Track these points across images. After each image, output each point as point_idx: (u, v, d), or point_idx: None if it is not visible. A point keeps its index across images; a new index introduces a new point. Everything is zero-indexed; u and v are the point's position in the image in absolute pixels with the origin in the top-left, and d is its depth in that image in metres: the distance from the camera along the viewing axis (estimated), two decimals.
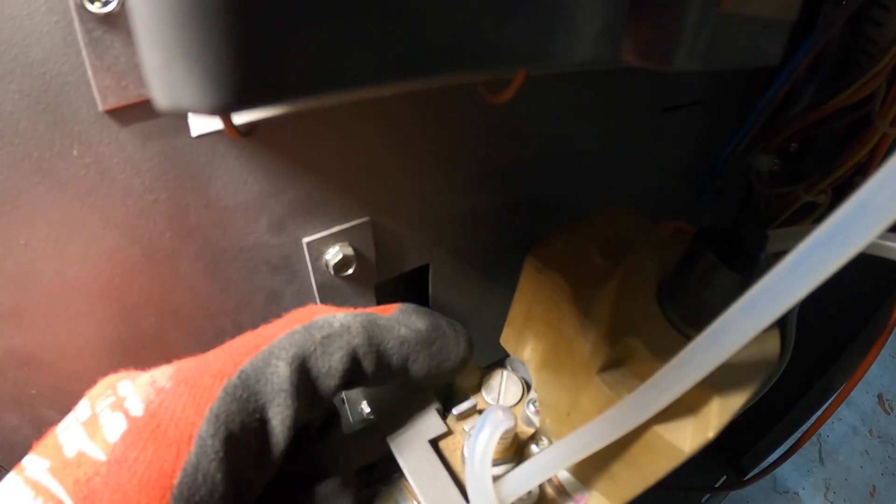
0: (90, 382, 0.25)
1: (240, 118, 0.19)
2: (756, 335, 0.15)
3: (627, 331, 0.22)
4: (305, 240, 0.27)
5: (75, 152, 0.21)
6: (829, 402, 0.56)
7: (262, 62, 0.08)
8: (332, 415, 0.25)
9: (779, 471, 1.00)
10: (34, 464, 0.17)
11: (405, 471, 0.24)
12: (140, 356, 0.27)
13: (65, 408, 0.27)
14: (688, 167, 0.47)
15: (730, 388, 0.21)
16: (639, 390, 0.18)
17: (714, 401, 0.20)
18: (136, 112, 0.21)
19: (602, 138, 0.37)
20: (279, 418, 0.18)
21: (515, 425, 0.22)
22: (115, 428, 0.17)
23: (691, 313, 0.22)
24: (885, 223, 0.12)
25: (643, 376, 0.18)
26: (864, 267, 0.51)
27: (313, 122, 0.24)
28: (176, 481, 0.16)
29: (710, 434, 0.20)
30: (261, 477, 0.19)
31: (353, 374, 0.21)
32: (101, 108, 0.20)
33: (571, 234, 0.27)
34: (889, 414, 1.13)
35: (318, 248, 0.28)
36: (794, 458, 1.02)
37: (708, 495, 0.84)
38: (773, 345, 0.23)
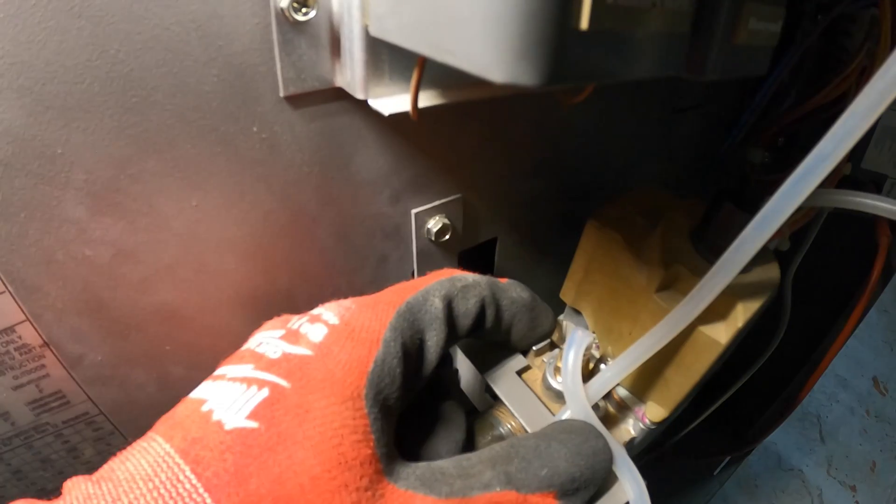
0: (221, 337, 0.29)
1: (422, 103, 0.25)
2: (760, 248, 0.22)
3: (672, 261, 0.29)
4: (414, 211, 0.33)
5: (255, 129, 0.24)
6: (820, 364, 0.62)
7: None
8: (447, 356, 0.30)
9: (783, 450, 1.04)
10: (234, 369, 0.20)
11: (501, 395, 0.30)
12: (268, 313, 0.27)
13: (192, 364, 0.29)
14: (694, 158, 0.54)
15: (748, 297, 0.28)
16: (687, 297, 0.25)
17: (738, 305, 0.28)
18: (308, 99, 0.25)
19: (629, 136, 0.44)
20: (434, 340, 0.23)
21: (593, 340, 0.29)
22: (318, 333, 0.21)
23: (716, 247, 0.29)
24: (826, 172, 0.20)
25: (687, 292, 0.25)
26: (857, 250, 0.58)
27: (432, 115, 0.29)
28: (369, 369, 0.20)
29: (739, 324, 0.27)
30: (416, 385, 0.23)
31: (479, 320, 0.26)
32: (281, 94, 0.24)
33: (618, 204, 0.34)
34: (884, 395, 1.18)
35: (422, 219, 0.33)
36: (797, 437, 1.08)
37: (720, 468, 0.89)
38: (775, 272, 0.31)
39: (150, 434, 0.18)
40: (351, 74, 0.25)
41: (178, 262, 0.26)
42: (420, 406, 0.26)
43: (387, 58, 0.24)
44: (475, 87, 0.27)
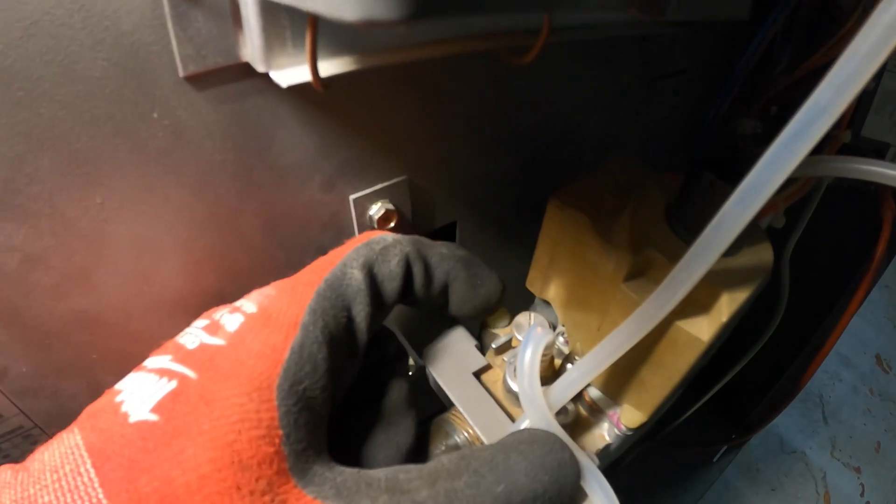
0: (151, 344, 0.26)
1: (324, 70, 0.22)
2: (746, 226, 0.19)
3: (645, 245, 0.25)
4: (352, 197, 0.30)
5: (155, 115, 0.23)
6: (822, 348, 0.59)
7: None
8: (399, 350, 0.27)
9: (785, 432, 1.02)
10: (155, 360, 0.20)
11: (455, 401, 0.27)
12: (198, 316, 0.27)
13: (125, 371, 0.27)
14: (679, 131, 0.50)
15: (734, 286, 0.24)
16: (660, 287, 0.21)
17: (723, 295, 0.24)
18: (212, 78, 0.23)
19: (603, 106, 0.41)
20: (361, 315, 0.22)
21: (555, 339, 0.25)
22: (233, 322, 0.20)
23: (696, 226, 0.25)
24: (823, 129, 0.16)
25: (661, 281, 0.21)
26: (858, 225, 0.55)
27: (362, 88, 0.27)
28: (285, 356, 0.19)
29: (724, 318, 0.23)
30: (350, 368, 0.22)
31: (407, 282, 0.24)
32: (181, 74, 0.22)
33: (586, 180, 0.30)
34: (888, 373, 1.16)
35: (362, 205, 0.30)
36: (799, 419, 1.05)
37: (719, 454, 0.87)
38: (767, 255, 0.27)
39: (72, 424, 0.19)
40: (251, 45, 0.22)
41: (91, 265, 0.24)
42: (364, 401, 0.25)
43: (287, 24, 0.22)
44: (392, 51, 0.24)
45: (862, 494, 0.96)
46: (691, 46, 0.44)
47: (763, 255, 0.27)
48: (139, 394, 0.18)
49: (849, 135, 0.47)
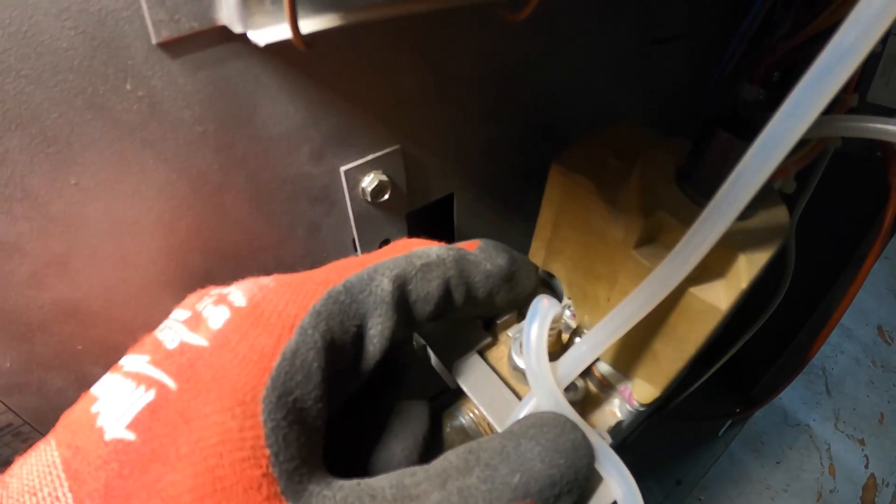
0: (138, 332, 0.26)
1: (305, 27, 0.20)
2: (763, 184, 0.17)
3: (655, 208, 0.24)
4: (343, 168, 0.28)
5: (128, 86, 0.21)
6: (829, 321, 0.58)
7: None
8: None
9: (789, 405, 1.02)
10: (133, 360, 0.18)
11: (459, 381, 0.26)
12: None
13: (110, 363, 0.27)
14: (678, 96, 0.49)
15: (752, 248, 0.23)
16: (674, 251, 0.20)
17: (740, 259, 0.22)
18: (187, 44, 0.22)
19: (603, 70, 0.39)
20: (378, 328, 0.20)
21: (562, 311, 0.23)
22: (218, 317, 0.18)
23: (710, 187, 0.24)
24: (853, 66, 0.15)
25: (674, 245, 0.20)
26: (864, 194, 0.53)
27: (348, 49, 0.25)
28: (275, 363, 0.17)
29: (744, 284, 0.21)
30: (350, 384, 0.20)
31: (445, 304, 0.22)
32: (154, 41, 0.21)
33: (589, 144, 0.29)
34: (890, 344, 1.16)
35: (354, 176, 0.29)
36: (802, 391, 1.05)
37: (724, 428, 0.86)
38: (783, 216, 0.25)
39: (50, 433, 0.17)
40: (227, 5, 0.21)
41: (69, 251, 0.23)
42: (370, 392, 0.23)
43: None
44: (378, 6, 0.23)
45: (866, 466, 0.96)
46: (691, 10, 0.43)
47: (779, 216, 0.25)
48: (115, 405, 0.17)
49: (856, 98, 0.46)
